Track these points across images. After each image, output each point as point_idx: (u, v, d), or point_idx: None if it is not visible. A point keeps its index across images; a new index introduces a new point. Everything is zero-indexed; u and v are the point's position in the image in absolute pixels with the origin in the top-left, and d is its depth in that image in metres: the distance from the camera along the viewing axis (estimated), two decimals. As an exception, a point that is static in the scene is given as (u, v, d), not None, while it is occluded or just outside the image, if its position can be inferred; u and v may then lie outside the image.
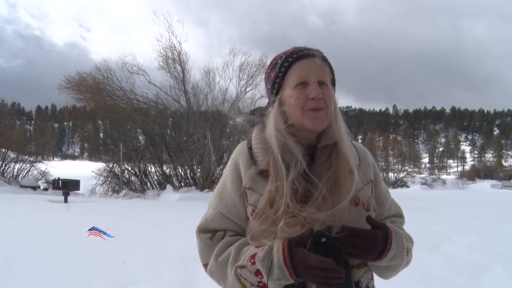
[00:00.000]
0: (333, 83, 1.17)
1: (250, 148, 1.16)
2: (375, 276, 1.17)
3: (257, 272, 1.00)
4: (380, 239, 1.06)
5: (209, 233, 1.14)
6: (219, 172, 15.07)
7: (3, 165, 17.26)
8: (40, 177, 17.76)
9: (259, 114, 1.21)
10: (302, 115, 1.08)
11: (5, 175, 16.98)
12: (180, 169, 15.76)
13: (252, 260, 1.01)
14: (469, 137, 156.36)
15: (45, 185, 17.22)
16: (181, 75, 16.13)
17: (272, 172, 1.07)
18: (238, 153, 1.18)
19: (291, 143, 1.08)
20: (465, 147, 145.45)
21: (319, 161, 1.09)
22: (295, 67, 1.11)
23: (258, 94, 16.22)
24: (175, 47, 15.94)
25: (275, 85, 1.14)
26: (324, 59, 1.14)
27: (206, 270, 1.14)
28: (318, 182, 1.05)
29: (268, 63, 1.20)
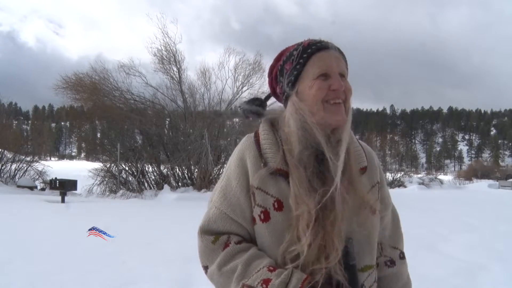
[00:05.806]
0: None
1: (258, 143, 1.08)
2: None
3: None
4: None
5: (212, 236, 1.07)
6: (216, 172, 15.08)
7: (0, 165, 17.20)
8: (37, 177, 17.68)
9: (263, 107, 1.16)
10: (323, 107, 1.03)
11: (2, 175, 16.92)
12: (177, 169, 15.74)
13: (264, 285, 0.95)
14: (466, 137, 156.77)
15: (42, 185, 17.15)
16: (177, 76, 16.13)
17: (293, 173, 1.00)
18: (245, 147, 1.09)
19: (317, 136, 1.02)
20: (462, 147, 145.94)
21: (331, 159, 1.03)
22: (315, 58, 1.06)
23: (255, 93, 16.24)
24: (170, 48, 15.94)
25: (292, 77, 1.07)
26: (341, 52, 1.10)
27: (206, 273, 1.09)
28: (335, 181, 0.99)
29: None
